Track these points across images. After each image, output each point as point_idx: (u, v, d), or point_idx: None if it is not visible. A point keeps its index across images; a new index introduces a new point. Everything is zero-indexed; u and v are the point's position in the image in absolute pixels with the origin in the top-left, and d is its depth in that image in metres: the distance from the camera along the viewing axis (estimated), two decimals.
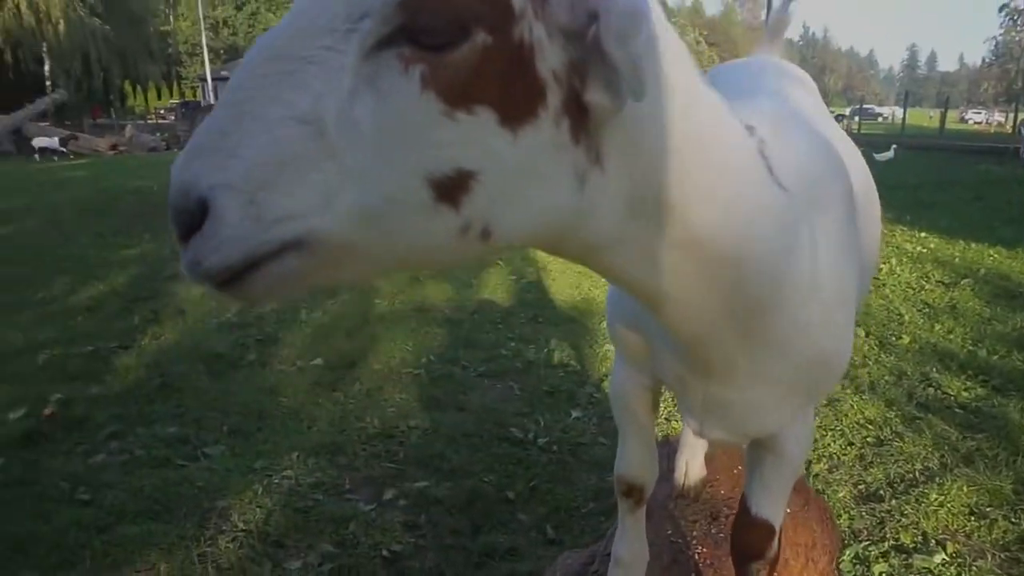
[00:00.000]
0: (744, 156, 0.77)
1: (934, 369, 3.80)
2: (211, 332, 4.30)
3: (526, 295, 5.18)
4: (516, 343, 4.10)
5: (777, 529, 1.13)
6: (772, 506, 1.13)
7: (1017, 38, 41.95)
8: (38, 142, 18.11)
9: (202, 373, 3.67)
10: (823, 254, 0.89)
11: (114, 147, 20.83)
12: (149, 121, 34.16)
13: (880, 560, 2.30)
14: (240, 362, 3.85)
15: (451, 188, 0.55)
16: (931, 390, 3.57)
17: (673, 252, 0.71)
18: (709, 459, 1.76)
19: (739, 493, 1.15)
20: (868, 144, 19.23)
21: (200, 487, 2.56)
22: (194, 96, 44.23)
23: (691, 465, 1.71)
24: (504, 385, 3.54)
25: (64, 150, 18.77)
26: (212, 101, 26.91)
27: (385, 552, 2.23)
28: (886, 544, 2.39)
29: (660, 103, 0.64)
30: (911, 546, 2.37)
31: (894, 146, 16.97)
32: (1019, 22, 41.95)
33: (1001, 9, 42.70)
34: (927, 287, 5.45)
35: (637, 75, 0.56)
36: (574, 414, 3.23)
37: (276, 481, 2.63)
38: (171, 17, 39.80)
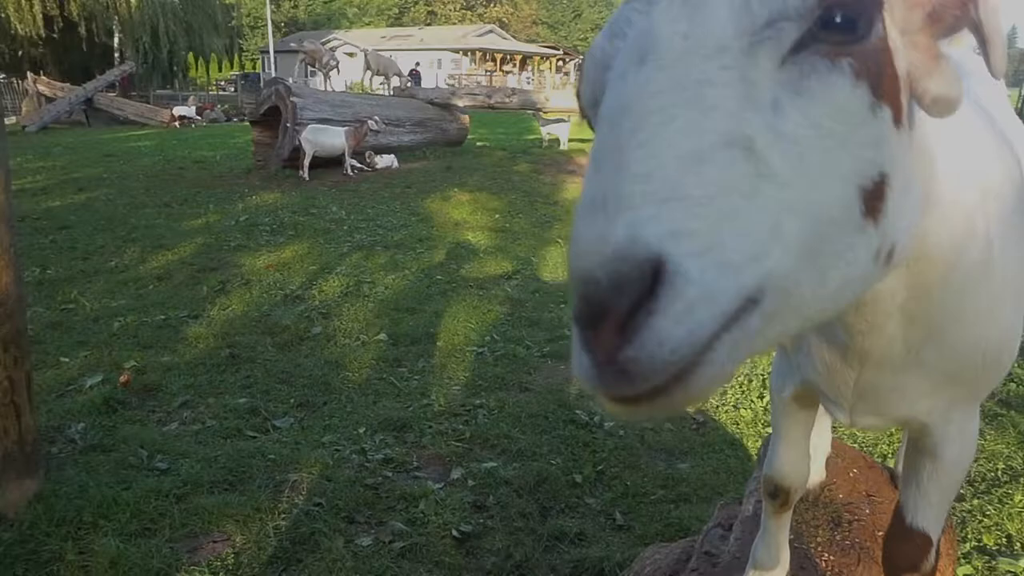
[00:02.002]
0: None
1: (1017, 364, 3.61)
2: (277, 304, 4.37)
3: None
4: None
5: (935, 541, 1.06)
6: (930, 516, 1.05)
7: None
8: (178, 110, 20.20)
9: (269, 345, 3.73)
10: (996, 242, 0.83)
11: (182, 119, 21.34)
12: (210, 92, 34.91)
13: (963, 562, 2.20)
14: (306, 335, 3.89)
15: (874, 197, 0.51)
16: (1012, 385, 3.39)
17: None
18: (828, 463, 1.70)
19: (856, 497, 1.09)
20: None
21: (272, 460, 2.60)
22: (254, 68, 44.89)
23: (812, 468, 1.65)
24: (568, 366, 3.48)
25: (199, 118, 20.84)
26: (273, 73, 27.29)
27: (455, 532, 2.23)
28: (968, 545, 2.29)
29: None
30: (994, 548, 2.27)
31: None
32: None
33: None
34: None
35: (1003, 46, 0.55)
36: None
37: (345, 456, 2.65)
38: None
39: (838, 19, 0.48)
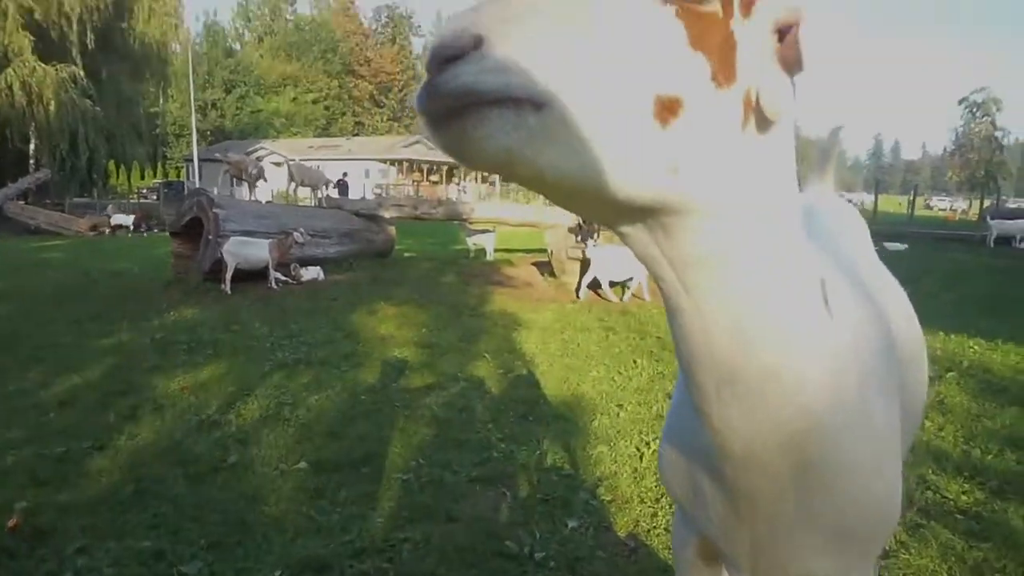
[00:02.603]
0: (807, 263, 0.80)
1: (931, 470, 3.75)
2: (190, 431, 4.16)
3: (515, 390, 5.10)
4: (507, 444, 4.00)
5: None
6: None
7: (976, 128, 43.93)
8: (116, 219, 21.48)
9: (180, 478, 3.52)
10: (872, 395, 0.88)
11: (94, 228, 20.76)
12: (131, 200, 34.27)
13: None
14: (221, 465, 3.70)
15: (665, 107, 0.63)
16: (930, 493, 3.51)
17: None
18: None
19: None
20: (882, 236, 19.80)
21: None
22: (178, 176, 44.57)
23: None
24: (496, 492, 3.42)
25: (133, 227, 21.39)
26: (197, 182, 27.12)
27: None
28: None
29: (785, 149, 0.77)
30: None
31: (906, 245, 17.79)
32: (978, 114, 44.02)
33: (961, 102, 44.87)
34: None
35: (803, 59, 0.70)
36: (570, 524, 3.12)
37: None
38: (161, 100, 40.52)
39: None
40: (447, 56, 0.59)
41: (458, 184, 42.28)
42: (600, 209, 0.71)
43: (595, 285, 8.98)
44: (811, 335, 0.79)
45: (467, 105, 0.58)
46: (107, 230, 20.96)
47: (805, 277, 0.80)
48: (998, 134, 44.29)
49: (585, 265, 9.01)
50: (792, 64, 0.71)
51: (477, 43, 0.58)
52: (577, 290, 9.12)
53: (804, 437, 0.81)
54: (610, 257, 8.50)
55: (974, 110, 44.35)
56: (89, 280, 10.24)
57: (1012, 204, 40.67)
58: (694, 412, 0.84)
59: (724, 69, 0.67)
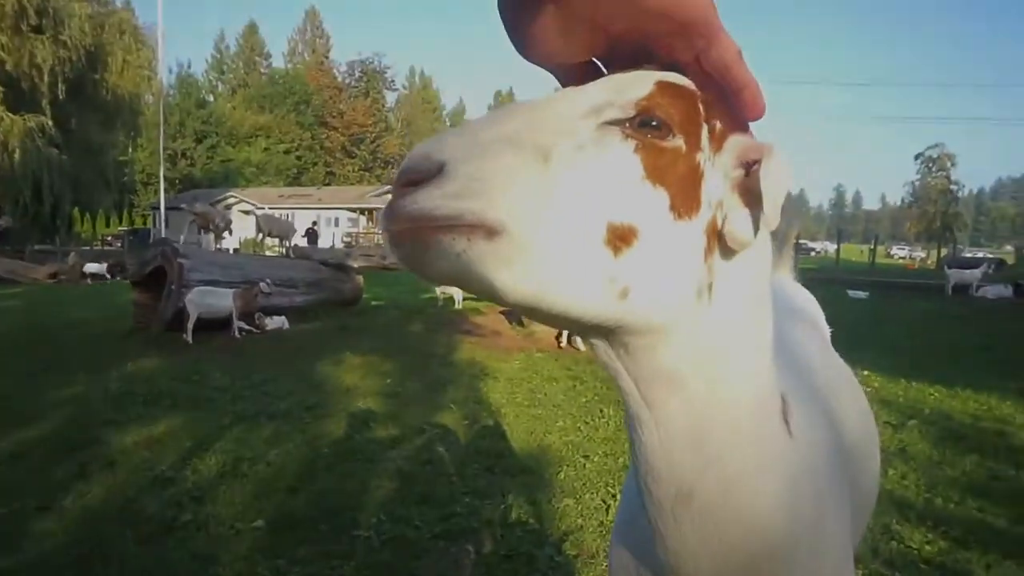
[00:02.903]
0: (771, 378, 0.80)
1: (894, 520, 3.76)
2: (143, 488, 4.02)
3: (481, 442, 5.03)
4: (471, 498, 3.92)
5: None
6: None
7: (933, 182, 45.55)
8: (88, 268, 21.28)
9: (130, 539, 3.37)
10: (826, 512, 0.87)
11: (54, 275, 20.34)
12: (95, 248, 33.70)
13: None
14: (174, 524, 3.56)
15: (618, 236, 0.66)
16: (895, 544, 3.51)
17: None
18: None
19: None
20: (852, 285, 20.21)
21: None
22: (144, 224, 44.11)
23: None
24: (460, 548, 3.33)
25: (109, 276, 21.07)
26: (164, 230, 26.81)
27: None
28: None
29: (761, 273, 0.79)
30: None
31: (867, 293, 18.34)
32: (933, 169, 45.71)
33: (917, 157, 46.64)
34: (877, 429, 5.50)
35: (776, 208, 0.70)
36: None
37: None
38: (131, 149, 40.31)
39: (645, 119, 0.69)
40: (410, 180, 0.62)
41: None
42: (560, 324, 0.73)
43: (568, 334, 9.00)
44: (770, 454, 0.79)
45: (421, 228, 0.61)
46: (64, 278, 20.52)
47: (768, 392, 0.80)
48: (953, 187, 45.99)
49: None
50: (757, 198, 0.71)
51: (439, 169, 0.61)
52: (558, 337, 9.17)
53: (759, 559, 0.80)
54: None
55: (930, 165, 46.10)
56: (45, 330, 9.98)
57: (968, 253, 41.96)
58: (647, 523, 0.83)
59: (685, 201, 0.69)
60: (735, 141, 0.74)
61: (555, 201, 0.63)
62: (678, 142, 0.70)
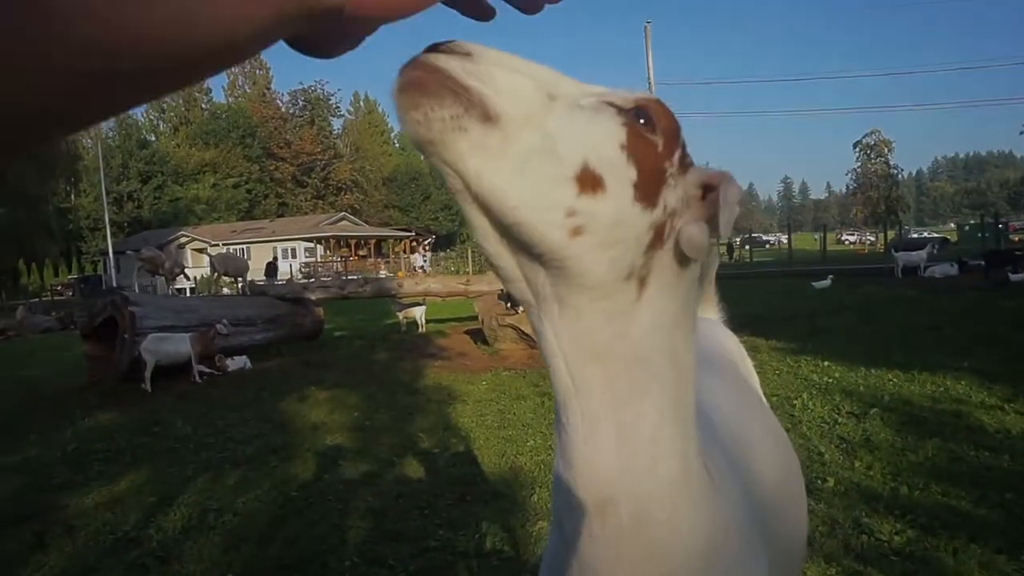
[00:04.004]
0: (691, 400, 0.82)
1: (863, 513, 3.82)
2: (105, 553, 3.88)
3: (452, 470, 4.99)
4: (445, 530, 3.87)
5: None
6: None
7: (873, 168, 46.93)
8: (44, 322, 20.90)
9: None
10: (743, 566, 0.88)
11: (2, 332, 19.69)
12: (44, 299, 32.70)
13: None
14: None
15: (589, 181, 0.69)
16: (864, 537, 3.56)
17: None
18: None
19: None
20: (807, 275, 20.53)
21: None
22: (95, 271, 42.99)
23: None
24: None
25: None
26: (114, 275, 26.15)
27: None
28: None
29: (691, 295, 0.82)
30: None
31: (831, 276, 18.20)
32: (872, 156, 47.11)
33: (855, 145, 48.02)
34: (840, 420, 5.62)
35: (729, 223, 0.75)
36: None
37: None
38: (72, 195, 39.30)
39: (634, 115, 0.74)
40: (440, 49, 0.66)
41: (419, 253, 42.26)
42: (508, 238, 0.74)
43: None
44: (691, 490, 0.80)
45: (430, 78, 0.64)
46: (12, 333, 19.90)
47: (690, 419, 0.81)
48: (893, 171, 47.41)
49: None
50: (709, 220, 0.78)
51: (466, 54, 0.66)
52: (501, 297, 9.27)
53: None
54: None
55: (868, 152, 47.48)
56: None
57: (915, 234, 43.21)
58: (563, 550, 0.82)
59: (647, 190, 0.74)
60: (698, 169, 0.81)
61: (550, 119, 0.69)
62: (658, 140, 0.76)
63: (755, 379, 1.78)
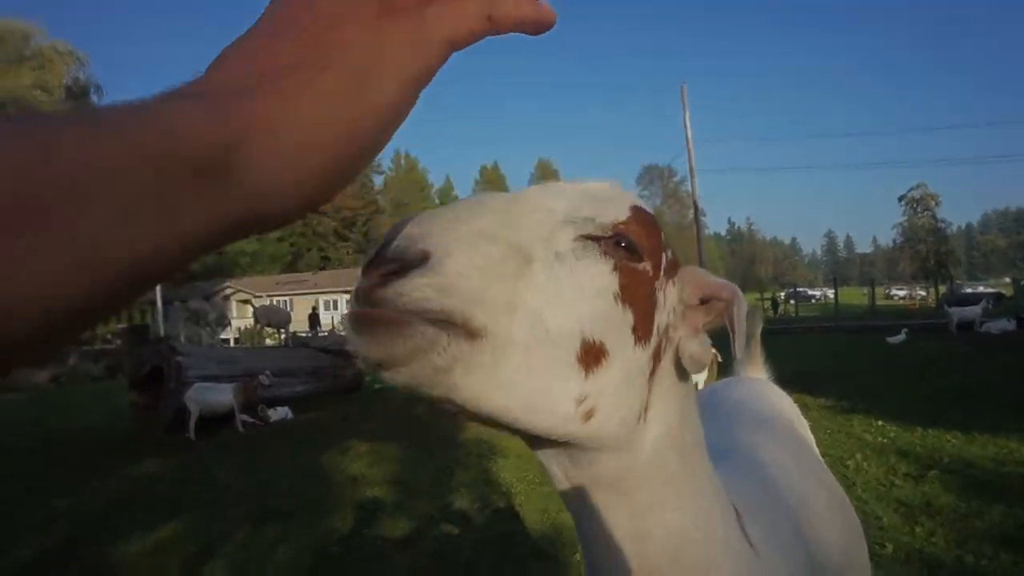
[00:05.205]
0: (710, 478, 0.83)
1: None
2: None
3: (493, 526, 4.89)
4: None
5: None
6: None
7: (920, 222, 46.13)
8: None
9: None
10: None
11: (55, 379, 20.22)
12: (95, 348, 33.55)
13: None
14: None
15: (590, 353, 0.65)
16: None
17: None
18: None
19: None
20: (881, 329, 19.98)
21: None
22: (142, 320, 44.12)
23: None
24: None
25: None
26: (161, 325, 26.81)
27: None
28: None
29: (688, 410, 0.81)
30: None
31: (905, 330, 17.53)
32: (919, 209, 46.36)
33: (900, 199, 47.38)
34: (897, 482, 5.37)
35: (743, 343, 0.75)
36: None
37: None
38: None
39: (621, 241, 0.71)
40: (391, 269, 0.58)
41: None
42: (511, 432, 0.72)
43: None
44: (731, 566, 0.80)
45: (406, 321, 0.57)
46: (64, 381, 20.42)
47: (715, 500, 0.82)
48: (940, 225, 46.53)
49: None
50: (704, 325, 0.79)
51: (424, 258, 0.57)
52: None
53: None
54: None
55: (914, 205, 46.75)
56: (47, 436, 9.83)
57: (968, 289, 42.06)
58: None
59: (645, 324, 0.72)
60: (690, 272, 0.80)
61: (537, 310, 0.62)
62: (646, 267, 0.73)
63: (811, 438, 1.73)
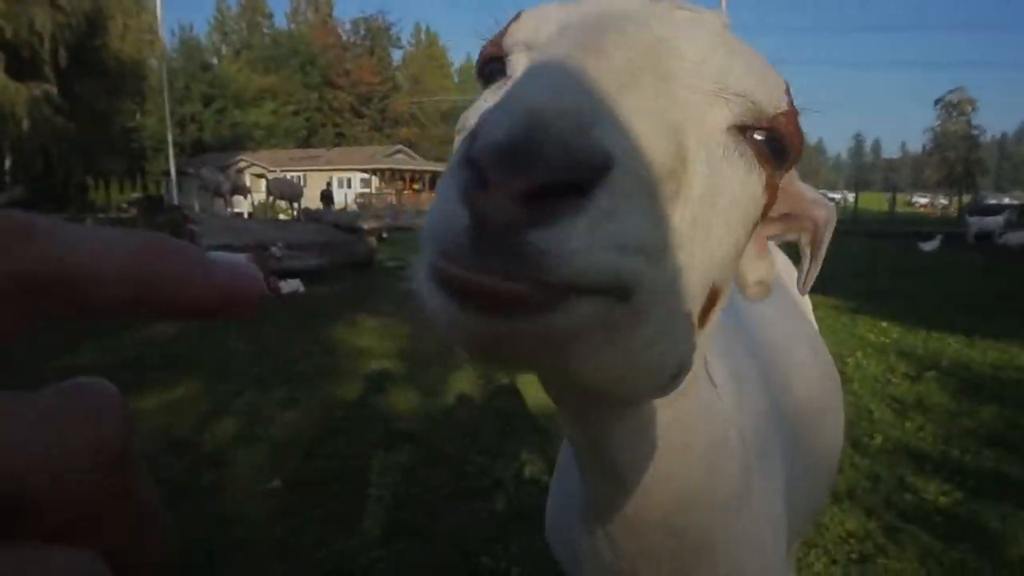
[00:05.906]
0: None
1: (909, 472, 3.74)
2: (162, 452, 4.06)
3: (495, 401, 5.05)
4: (484, 458, 3.94)
5: None
6: None
7: (953, 128, 44.59)
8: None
9: None
10: (752, 468, 0.85)
11: None
12: (110, 216, 33.91)
13: None
14: (193, 487, 3.62)
15: (708, 305, 0.51)
16: (908, 496, 3.50)
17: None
18: None
19: None
20: (914, 235, 19.53)
21: None
22: (157, 190, 44.18)
23: None
24: (472, 508, 3.36)
25: None
26: (176, 196, 26.86)
27: None
28: None
29: None
30: None
31: (940, 236, 16.73)
32: (954, 115, 44.69)
33: (936, 102, 45.58)
34: (894, 380, 5.47)
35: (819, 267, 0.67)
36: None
37: None
38: (138, 114, 40.22)
39: (770, 136, 0.52)
40: (556, 180, 0.34)
41: None
42: (581, 402, 0.60)
43: None
44: (694, 409, 0.73)
45: (562, 299, 0.37)
46: None
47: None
48: (974, 132, 44.99)
49: None
50: (772, 238, 0.68)
51: (603, 170, 0.35)
52: None
53: (683, 516, 0.77)
54: None
55: (950, 110, 45.04)
56: None
57: (991, 200, 41.26)
58: (580, 487, 0.81)
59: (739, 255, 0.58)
60: (800, 190, 0.66)
61: (688, 249, 0.44)
62: (783, 173, 0.56)
63: (803, 302, 1.69)
